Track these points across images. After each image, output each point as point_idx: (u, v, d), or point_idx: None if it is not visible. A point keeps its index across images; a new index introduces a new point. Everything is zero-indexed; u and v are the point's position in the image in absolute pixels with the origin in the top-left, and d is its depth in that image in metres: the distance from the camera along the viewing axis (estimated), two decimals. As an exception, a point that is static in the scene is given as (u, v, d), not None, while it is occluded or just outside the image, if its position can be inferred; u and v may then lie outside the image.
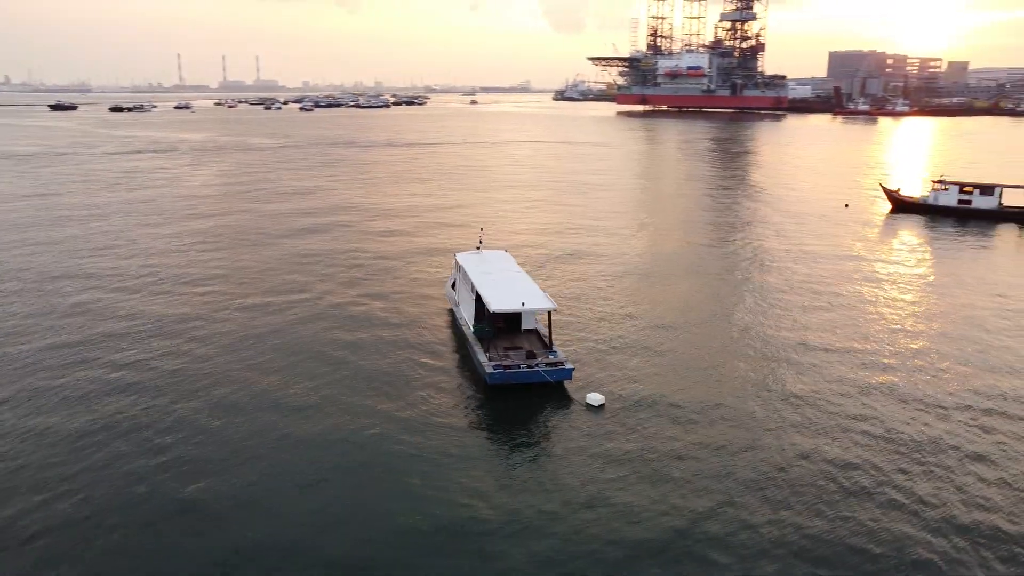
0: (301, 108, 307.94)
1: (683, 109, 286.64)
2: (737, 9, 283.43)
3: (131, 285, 41.49)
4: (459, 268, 34.92)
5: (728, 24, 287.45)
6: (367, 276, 44.37)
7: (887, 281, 44.66)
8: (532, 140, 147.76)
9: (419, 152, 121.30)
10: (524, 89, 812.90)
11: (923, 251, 54.20)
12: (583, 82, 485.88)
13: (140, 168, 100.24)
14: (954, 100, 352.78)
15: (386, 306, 38.32)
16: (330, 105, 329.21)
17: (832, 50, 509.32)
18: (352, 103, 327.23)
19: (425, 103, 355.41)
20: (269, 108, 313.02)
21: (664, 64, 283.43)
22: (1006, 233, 60.74)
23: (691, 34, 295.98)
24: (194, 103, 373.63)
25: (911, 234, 60.27)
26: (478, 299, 31.13)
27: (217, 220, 61.95)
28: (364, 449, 23.08)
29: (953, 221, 64.61)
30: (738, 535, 18.90)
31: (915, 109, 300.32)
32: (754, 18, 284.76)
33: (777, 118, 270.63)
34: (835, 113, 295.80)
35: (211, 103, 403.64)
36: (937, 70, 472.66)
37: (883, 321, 36.62)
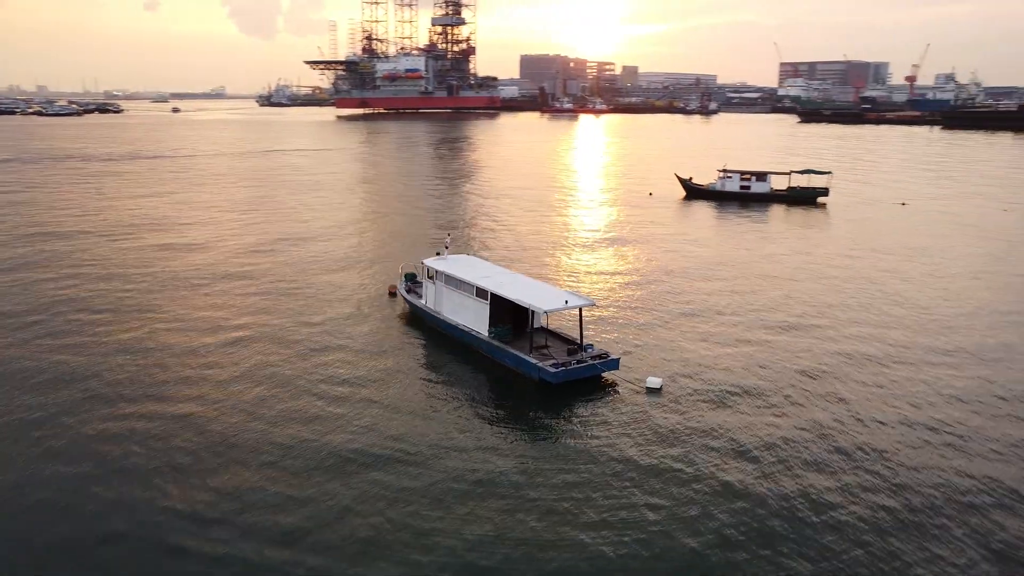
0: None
1: (402, 111, 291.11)
2: (447, 14, 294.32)
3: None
4: (443, 276, 34.28)
5: (440, 28, 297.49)
6: (284, 300, 40.79)
7: (704, 246, 51.86)
8: (296, 149, 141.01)
9: (193, 164, 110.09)
10: (219, 95, 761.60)
11: (718, 225, 64.10)
12: (288, 87, 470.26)
13: None
14: (633, 99, 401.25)
15: (333, 329, 35.91)
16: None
17: (523, 53, 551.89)
18: (30, 110, 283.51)
19: (122, 111, 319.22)
20: None
21: (383, 67, 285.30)
22: (776, 210, 73.00)
23: (404, 37, 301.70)
24: None
25: (706, 214, 70.12)
26: (495, 303, 31.15)
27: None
28: (517, 484, 21.83)
29: (736, 204, 75.50)
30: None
31: (610, 107, 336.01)
32: (463, 23, 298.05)
33: (492, 116, 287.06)
34: (542, 111, 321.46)
35: None
36: (613, 72, 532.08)
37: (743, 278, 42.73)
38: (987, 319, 37.44)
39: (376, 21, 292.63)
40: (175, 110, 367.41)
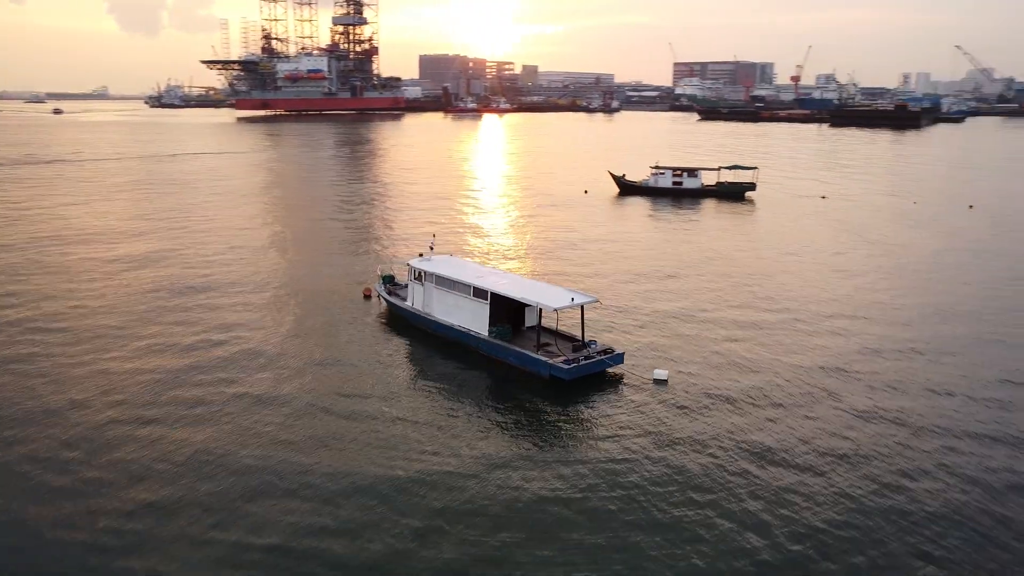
0: None
1: (305, 112, 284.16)
2: (348, 13, 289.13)
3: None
4: (433, 276, 34.13)
5: (342, 28, 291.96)
6: (258, 312, 39.25)
7: (647, 241, 53.66)
8: (206, 152, 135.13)
9: (104, 168, 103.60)
10: (102, 95, 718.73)
11: (654, 220, 66.54)
12: (179, 87, 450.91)
13: None
14: (535, 99, 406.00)
15: (317, 338, 34.98)
16: None
17: (422, 53, 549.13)
18: None
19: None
20: None
21: (284, 67, 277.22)
22: (708, 205, 75.79)
23: (305, 37, 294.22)
24: None
25: (641, 209, 72.10)
26: (495, 302, 31.34)
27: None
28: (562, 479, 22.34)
29: (670, 199, 77.69)
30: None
31: (513, 107, 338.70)
32: (365, 22, 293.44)
33: (397, 118, 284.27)
34: (447, 111, 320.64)
35: None
36: (513, 72, 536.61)
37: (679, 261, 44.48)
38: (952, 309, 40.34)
39: (275, 20, 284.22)
40: (57, 111, 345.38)
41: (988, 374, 29.92)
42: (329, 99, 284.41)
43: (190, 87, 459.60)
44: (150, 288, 41.73)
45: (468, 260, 38.20)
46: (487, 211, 69.13)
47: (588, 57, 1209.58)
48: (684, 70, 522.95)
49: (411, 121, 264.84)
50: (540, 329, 31.94)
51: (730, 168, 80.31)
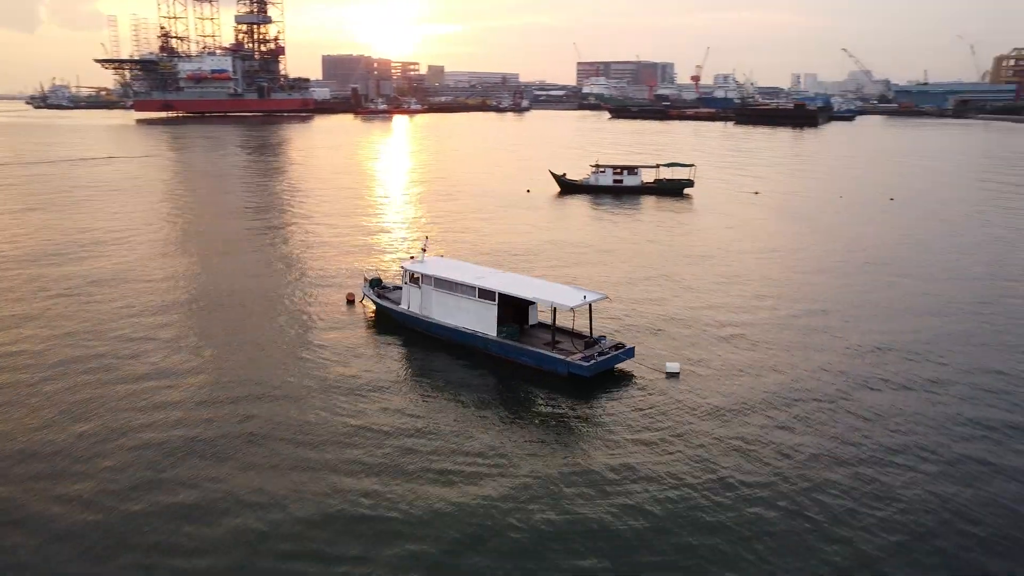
0: None
1: (210, 114, 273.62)
2: (252, 12, 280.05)
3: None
4: (432, 279, 34.01)
5: (246, 27, 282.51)
6: (242, 323, 37.91)
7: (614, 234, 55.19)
8: (113, 156, 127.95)
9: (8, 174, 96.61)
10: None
11: (595, 217, 68.22)
12: (66, 87, 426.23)
13: None
14: (444, 99, 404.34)
15: (310, 348, 34.23)
16: None
17: (325, 54, 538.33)
18: None
19: None
20: None
21: (186, 67, 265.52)
22: (647, 201, 78.03)
23: (206, 36, 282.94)
24: None
25: (582, 207, 73.54)
26: (502, 303, 31.62)
27: None
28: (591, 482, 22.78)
29: (611, 197, 79.30)
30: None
31: (424, 107, 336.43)
32: (271, 21, 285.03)
33: (306, 119, 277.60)
34: (357, 112, 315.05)
35: None
36: (418, 72, 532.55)
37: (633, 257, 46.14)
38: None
39: (173, 17, 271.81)
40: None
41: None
42: (235, 100, 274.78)
43: (78, 87, 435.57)
44: (108, 310, 39.83)
45: (461, 261, 38.12)
46: (440, 213, 68.73)
47: (492, 57, 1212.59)
48: (588, 69, 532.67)
49: (322, 123, 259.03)
50: (546, 327, 32.49)
51: (668, 165, 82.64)
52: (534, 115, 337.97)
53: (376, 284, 38.92)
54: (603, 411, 26.66)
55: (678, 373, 29.64)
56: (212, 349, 32.56)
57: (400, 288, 37.96)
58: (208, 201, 77.71)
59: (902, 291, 42.38)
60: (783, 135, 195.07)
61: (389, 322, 36.28)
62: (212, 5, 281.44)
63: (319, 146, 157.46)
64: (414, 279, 35.00)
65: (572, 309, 30.59)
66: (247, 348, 32.70)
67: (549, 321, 32.61)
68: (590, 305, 31.54)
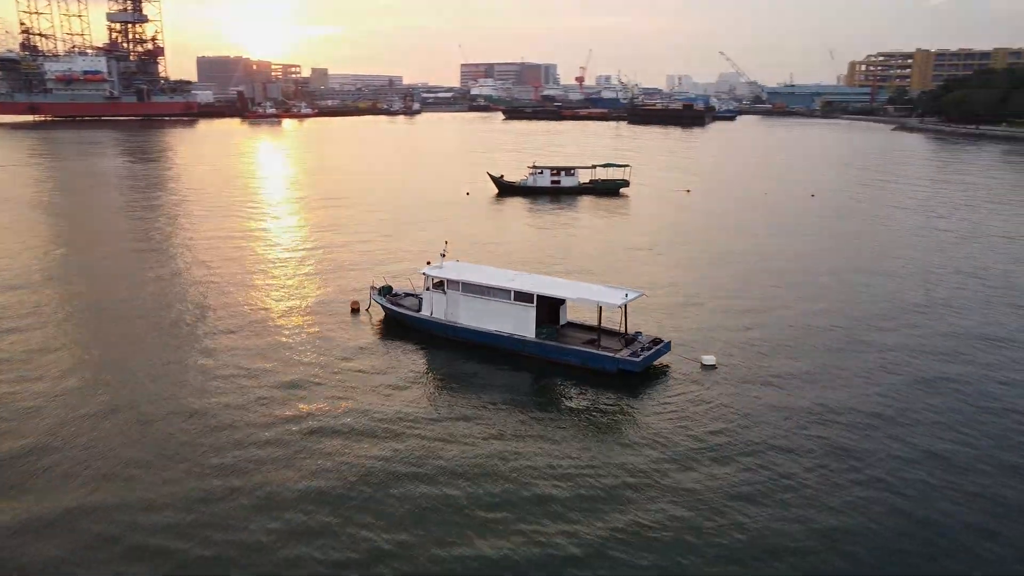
0: None
1: (83, 118, 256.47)
2: (125, 9, 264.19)
3: None
4: (459, 284, 34.04)
5: (119, 25, 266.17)
6: (243, 339, 36.37)
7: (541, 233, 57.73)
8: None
9: None
10: None
11: (534, 218, 70.04)
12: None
13: None
14: (331, 102, 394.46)
15: (327, 360, 33.50)
16: None
17: (200, 55, 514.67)
18: None
19: None
20: None
21: (54, 68, 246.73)
22: (586, 201, 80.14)
23: (75, 34, 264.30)
24: None
25: (520, 209, 74.86)
26: (540, 304, 32.16)
27: None
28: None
29: (548, 198, 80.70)
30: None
31: (315, 111, 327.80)
32: (146, 20, 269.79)
33: (190, 124, 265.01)
34: (244, 117, 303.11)
35: None
36: (300, 75, 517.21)
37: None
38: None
39: (35, 13, 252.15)
40: None
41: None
42: (111, 104, 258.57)
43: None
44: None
45: (475, 264, 38.23)
46: (389, 219, 67.78)
47: (374, 60, 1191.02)
48: (472, 71, 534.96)
49: (209, 128, 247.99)
50: (576, 326, 33.43)
51: (604, 166, 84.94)
52: (426, 118, 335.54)
53: (387, 292, 38.39)
54: (662, 404, 27.75)
55: (715, 365, 31.02)
56: (264, 378, 31.31)
57: (411, 295, 37.88)
58: (86, 213, 73.28)
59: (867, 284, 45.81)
60: (676, 134, 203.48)
61: (402, 330, 35.91)
62: (79, 2, 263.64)
63: (227, 153, 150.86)
64: (438, 285, 34.78)
65: (620, 307, 31.40)
66: (280, 366, 31.65)
67: (577, 320, 33.72)
68: (625, 305, 32.43)
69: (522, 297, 32.36)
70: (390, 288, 38.78)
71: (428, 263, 37.02)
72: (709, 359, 31.35)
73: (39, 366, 30.81)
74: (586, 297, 31.75)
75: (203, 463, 22.84)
